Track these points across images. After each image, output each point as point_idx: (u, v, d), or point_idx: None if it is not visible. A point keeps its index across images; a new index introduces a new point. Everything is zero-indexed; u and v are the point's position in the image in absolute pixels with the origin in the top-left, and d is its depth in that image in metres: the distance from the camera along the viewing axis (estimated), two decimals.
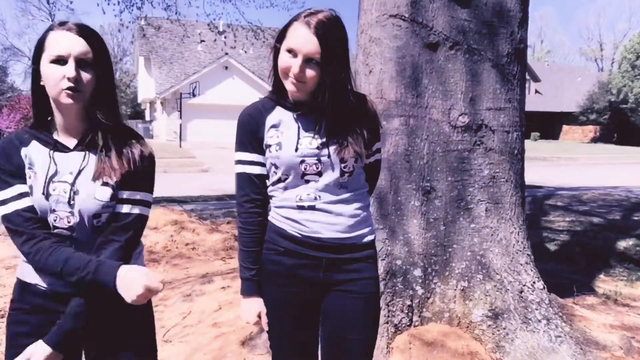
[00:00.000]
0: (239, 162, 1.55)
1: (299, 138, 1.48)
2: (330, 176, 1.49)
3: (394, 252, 2.84)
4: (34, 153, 1.36)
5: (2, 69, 41.90)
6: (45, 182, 1.33)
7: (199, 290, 3.99)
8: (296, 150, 1.47)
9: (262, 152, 1.53)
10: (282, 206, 1.53)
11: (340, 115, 1.47)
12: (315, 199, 1.49)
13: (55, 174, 1.34)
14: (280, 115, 1.52)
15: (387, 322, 2.69)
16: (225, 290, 3.95)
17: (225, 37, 9.72)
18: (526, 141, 3.25)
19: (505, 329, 2.67)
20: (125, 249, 1.37)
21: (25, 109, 27.50)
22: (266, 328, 1.59)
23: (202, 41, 25.90)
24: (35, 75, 1.35)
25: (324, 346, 1.60)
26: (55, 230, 1.35)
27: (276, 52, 1.47)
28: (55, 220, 1.34)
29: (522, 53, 3.00)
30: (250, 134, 1.52)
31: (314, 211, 1.49)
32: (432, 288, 2.82)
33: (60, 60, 1.29)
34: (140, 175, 1.39)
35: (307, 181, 1.49)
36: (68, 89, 1.28)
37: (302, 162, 1.47)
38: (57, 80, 1.29)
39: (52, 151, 1.36)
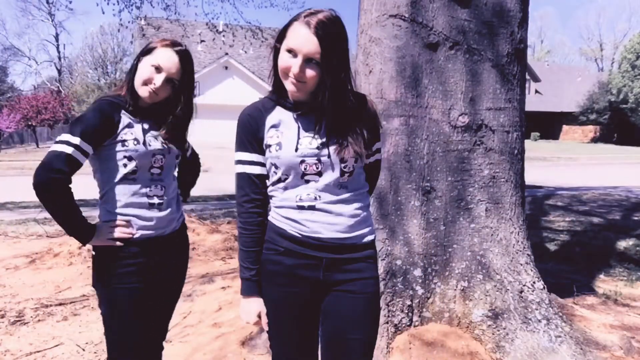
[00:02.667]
0: (239, 162, 1.55)
1: (299, 138, 1.48)
2: (330, 176, 1.49)
3: (394, 252, 2.84)
4: (126, 119, 1.81)
5: (2, 69, 41.95)
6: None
7: (199, 290, 3.99)
8: (296, 150, 1.47)
9: (262, 152, 1.53)
10: (282, 206, 1.53)
11: (340, 115, 1.47)
12: (315, 199, 1.49)
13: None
14: (280, 115, 1.52)
15: (387, 322, 2.69)
16: (225, 291, 3.96)
17: (224, 36, 9.74)
18: (526, 141, 3.25)
19: (505, 329, 2.67)
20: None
21: (25, 109, 27.52)
22: (266, 328, 1.59)
23: (202, 41, 25.91)
24: (135, 66, 1.81)
25: (324, 346, 1.60)
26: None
27: (276, 52, 1.47)
28: (154, 157, 1.83)
29: (522, 53, 3.00)
30: (250, 134, 1.53)
31: (314, 211, 1.49)
32: (432, 288, 2.82)
33: (158, 69, 1.76)
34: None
35: (307, 181, 1.49)
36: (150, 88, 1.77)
37: (302, 162, 1.47)
38: (148, 80, 1.76)
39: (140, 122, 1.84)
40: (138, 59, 1.81)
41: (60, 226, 1.76)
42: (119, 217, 1.78)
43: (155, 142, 1.82)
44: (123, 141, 1.75)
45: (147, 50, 1.80)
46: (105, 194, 1.81)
